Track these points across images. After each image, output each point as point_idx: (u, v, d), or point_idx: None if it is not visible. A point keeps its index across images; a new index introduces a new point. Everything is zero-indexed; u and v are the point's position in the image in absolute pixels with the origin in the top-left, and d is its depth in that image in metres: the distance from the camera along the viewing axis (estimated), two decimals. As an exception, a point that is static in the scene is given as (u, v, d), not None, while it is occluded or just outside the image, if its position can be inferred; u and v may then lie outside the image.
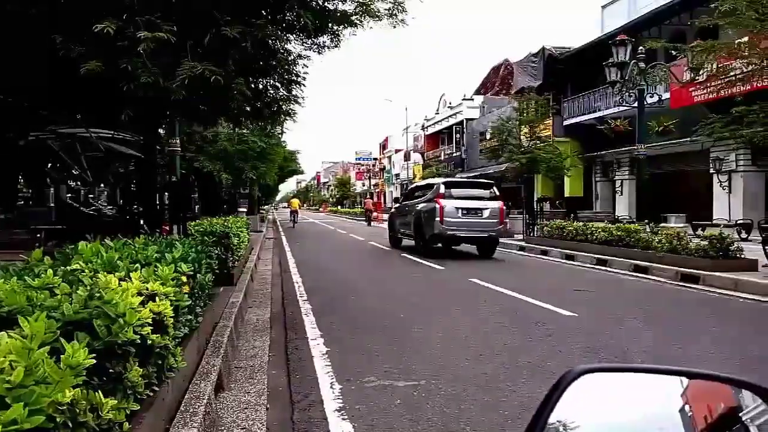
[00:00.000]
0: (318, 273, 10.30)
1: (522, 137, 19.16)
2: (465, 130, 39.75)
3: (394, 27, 8.59)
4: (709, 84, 9.66)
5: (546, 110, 19.38)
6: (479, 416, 3.22)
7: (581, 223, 13.55)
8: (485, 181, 14.55)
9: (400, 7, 8.27)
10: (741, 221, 14.80)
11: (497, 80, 37.50)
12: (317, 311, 6.43)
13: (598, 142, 24.08)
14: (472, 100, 40.52)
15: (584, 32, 29.31)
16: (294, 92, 8.59)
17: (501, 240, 13.69)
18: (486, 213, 12.59)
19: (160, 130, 10.05)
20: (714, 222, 16.08)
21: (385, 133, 68.24)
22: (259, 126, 13.45)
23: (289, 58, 8.24)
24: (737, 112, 8.76)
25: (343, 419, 3.20)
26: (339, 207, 67.40)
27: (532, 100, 18.58)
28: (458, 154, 40.76)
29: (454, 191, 12.96)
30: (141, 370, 2.08)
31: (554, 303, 6.67)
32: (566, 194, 26.19)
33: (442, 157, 44.55)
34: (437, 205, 12.39)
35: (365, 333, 5.38)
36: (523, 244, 15.18)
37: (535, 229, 15.58)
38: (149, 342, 2.14)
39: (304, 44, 8.27)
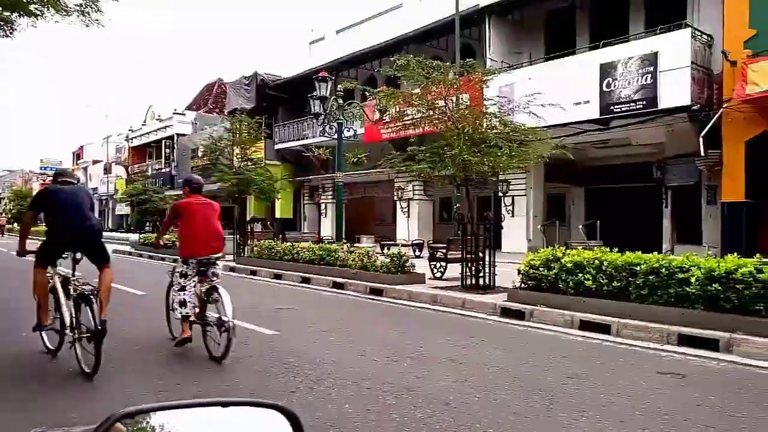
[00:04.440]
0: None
1: (234, 158, 19.28)
2: (176, 145, 37.86)
3: (87, 26, 7.73)
4: (392, 124, 11.38)
5: (258, 133, 19.90)
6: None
7: (289, 244, 14.26)
8: None
9: (93, 6, 7.50)
10: (416, 241, 17.74)
11: (210, 98, 36.93)
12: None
13: (307, 167, 25.88)
14: (184, 115, 38.95)
15: (297, 62, 31.21)
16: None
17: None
18: None
19: None
20: (397, 242, 18.87)
21: (80, 142, 59.87)
22: None
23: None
24: (411, 151, 10.53)
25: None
26: (15, 224, 55.79)
27: (244, 122, 18.85)
28: (168, 170, 38.51)
29: None
30: None
31: (258, 322, 6.82)
32: (277, 215, 27.28)
33: (150, 172, 41.39)
34: None
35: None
36: (233, 264, 15.15)
37: (246, 249, 15.74)
38: None
39: (-42, 26, 6.79)
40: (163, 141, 39.53)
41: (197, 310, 5.29)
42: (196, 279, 5.36)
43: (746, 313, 5.66)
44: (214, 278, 5.40)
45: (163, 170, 39.27)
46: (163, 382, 4.44)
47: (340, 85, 13.75)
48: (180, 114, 39.07)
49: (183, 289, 5.32)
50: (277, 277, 12.70)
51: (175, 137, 38.00)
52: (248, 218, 21.76)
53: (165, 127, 39.56)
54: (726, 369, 5.00)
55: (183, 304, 5.28)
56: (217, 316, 5.05)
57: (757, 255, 6.10)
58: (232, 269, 14.73)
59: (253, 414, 0.97)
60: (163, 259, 18.93)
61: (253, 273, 13.66)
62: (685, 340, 5.78)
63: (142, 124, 44.20)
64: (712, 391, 4.26)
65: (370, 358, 5.24)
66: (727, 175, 12.51)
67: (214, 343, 5.03)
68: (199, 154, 27.71)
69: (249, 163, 18.58)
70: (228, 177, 17.71)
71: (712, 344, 5.59)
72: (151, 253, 20.40)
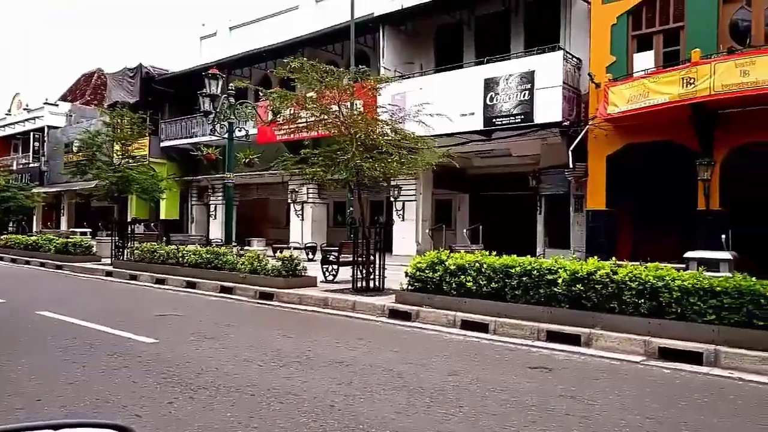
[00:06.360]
0: None
1: (114, 155, 17.96)
2: (46, 138, 34.46)
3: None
4: (286, 126, 11.21)
5: (141, 129, 18.68)
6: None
7: (173, 247, 13.53)
8: None
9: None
10: (309, 244, 17.63)
11: (89, 89, 34.13)
12: None
13: (195, 166, 24.71)
14: (57, 105, 35.57)
15: (187, 56, 29.66)
16: None
17: (85, 266, 14.98)
18: None
19: None
20: (290, 245, 18.62)
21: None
22: None
23: None
24: (304, 154, 10.47)
25: None
26: None
27: (126, 116, 17.61)
28: (37, 165, 34.91)
29: None
30: None
31: (134, 330, 6.45)
32: (162, 216, 25.78)
33: (15, 167, 37.24)
34: None
35: None
36: (110, 269, 14.08)
37: (126, 252, 14.70)
38: None
39: None
40: (32, 133, 35.78)
41: None
42: None
43: (604, 311, 6.31)
44: None
45: (32, 165, 35.53)
46: (16, 398, 4.04)
47: (232, 84, 13.32)
48: (52, 104, 35.64)
49: None
50: (160, 282, 12.02)
51: (46, 129, 34.61)
52: (129, 219, 20.35)
53: (34, 118, 35.85)
54: (586, 362, 5.54)
55: None
56: None
57: (613, 258, 6.81)
58: (109, 274, 13.71)
59: None
60: (28, 262, 17.17)
61: (133, 278, 12.80)
62: (552, 337, 6.33)
63: (6, 114, 39.66)
64: (574, 383, 4.70)
65: (255, 363, 5.15)
66: (591, 186, 13.84)
67: None
68: (74, 149, 25.50)
69: (131, 161, 17.41)
70: (106, 175, 16.46)
71: (575, 339, 6.17)
72: (14, 256, 18.43)
